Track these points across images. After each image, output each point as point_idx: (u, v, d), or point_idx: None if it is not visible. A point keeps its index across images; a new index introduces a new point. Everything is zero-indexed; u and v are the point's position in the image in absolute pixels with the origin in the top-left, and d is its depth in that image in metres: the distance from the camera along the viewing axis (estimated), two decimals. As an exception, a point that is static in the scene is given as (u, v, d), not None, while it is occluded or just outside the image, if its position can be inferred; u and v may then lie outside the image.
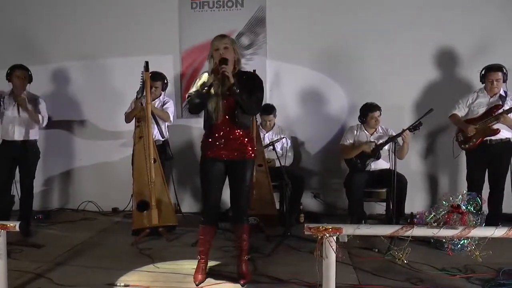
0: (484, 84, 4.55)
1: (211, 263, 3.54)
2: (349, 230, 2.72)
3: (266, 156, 4.80)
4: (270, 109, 4.95)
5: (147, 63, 4.25)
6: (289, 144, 5.00)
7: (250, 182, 3.31)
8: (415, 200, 5.14)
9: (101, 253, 4.01)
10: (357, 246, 4.00)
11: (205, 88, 3.04)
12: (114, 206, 5.60)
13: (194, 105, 3.12)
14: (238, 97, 3.05)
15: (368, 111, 4.68)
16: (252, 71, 4.40)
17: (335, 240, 2.66)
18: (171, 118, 4.78)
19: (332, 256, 2.65)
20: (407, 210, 4.73)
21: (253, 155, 3.26)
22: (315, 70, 5.34)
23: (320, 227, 2.64)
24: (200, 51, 5.31)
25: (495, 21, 5.10)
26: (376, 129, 4.75)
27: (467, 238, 3.67)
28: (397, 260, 2.89)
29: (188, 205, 5.45)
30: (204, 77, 3.17)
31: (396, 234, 2.75)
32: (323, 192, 5.44)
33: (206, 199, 3.27)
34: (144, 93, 4.30)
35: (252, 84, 3.18)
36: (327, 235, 2.63)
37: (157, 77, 4.74)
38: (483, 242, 3.41)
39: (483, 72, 4.54)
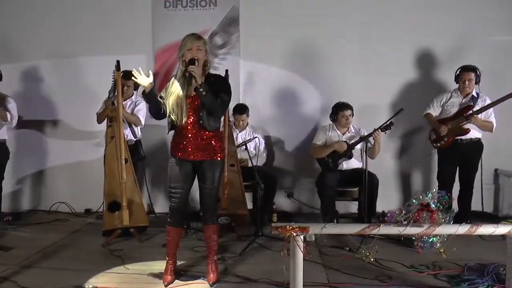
0: (458, 84, 4.64)
1: (181, 263, 3.54)
2: (316, 229, 2.74)
3: (239, 156, 4.80)
4: (243, 109, 4.94)
5: (118, 62, 4.24)
6: (263, 143, 5.01)
7: (219, 183, 3.31)
8: (389, 199, 5.19)
9: (71, 255, 3.95)
10: (328, 245, 4.03)
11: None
12: (87, 207, 5.52)
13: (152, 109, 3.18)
14: (203, 99, 3.04)
15: (338, 110, 4.72)
16: (225, 70, 4.47)
17: (302, 239, 2.67)
18: (142, 122, 4.74)
19: (299, 255, 2.67)
20: (382, 209, 4.79)
21: (222, 155, 3.25)
22: (288, 70, 5.35)
23: (287, 226, 2.66)
24: (173, 50, 5.22)
25: (471, 23, 5.17)
26: (348, 128, 4.79)
27: (436, 235, 3.74)
28: (364, 258, 2.91)
29: (162, 206, 5.39)
30: (171, 82, 3.17)
31: (362, 233, 2.78)
32: (296, 192, 5.46)
33: (173, 200, 3.26)
34: (116, 93, 4.26)
35: (219, 86, 3.17)
36: (294, 234, 2.64)
37: (130, 76, 4.65)
38: (448, 239, 3.48)
39: (457, 72, 4.63)
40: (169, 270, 3.29)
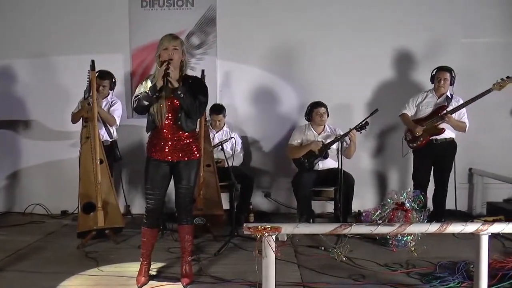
0: (433, 85, 4.71)
1: (155, 265, 3.52)
2: (288, 229, 2.75)
3: (215, 156, 4.78)
4: (220, 109, 4.93)
5: (93, 62, 4.19)
6: (239, 143, 5.02)
7: (195, 183, 3.32)
8: (365, 198, 5.25)
9: (45, 257, 3.89)
10: (304, 244, 4.05)
11: (156, 93, 3.02)
12: (64, 209, 5.45)
13: (142, 107, 3.10)
14: (182, 101, 3.04)
15: (313, 108, 4.77)
16: (201, 70, 4.46)
17: (274, 239, 2.68)
18: (118, 122, 4.70)
19: (271, 255, 2.67)
20: (358, 208, 4.83)
21: (198, 155, 3.26)
22: (265, 70, 5.36)
23: (259, 226, 2.66)
24: (150, 49, 5.23)
25: (447, 25, 5.26)
26: (323, 127, 4.81)
27: (410, 234, 3.78)
28: (336, 257, 2.93)
29: (138, 207, 5.35)
30: (150, 82, 3.12)
31: (334, 232, 2.79)
32: (274, 192, 5.47)
33: (149, 202, 3.25)
34: (91, 93, 4.22)
35: (196, 88, 3.17)
36: (266, 234, 2.65)
37: (105, 76, 4.65)
38: (421, 238, 3.53)
39: (433, 72, 4.72)
40: (143, 271, 3.28)
